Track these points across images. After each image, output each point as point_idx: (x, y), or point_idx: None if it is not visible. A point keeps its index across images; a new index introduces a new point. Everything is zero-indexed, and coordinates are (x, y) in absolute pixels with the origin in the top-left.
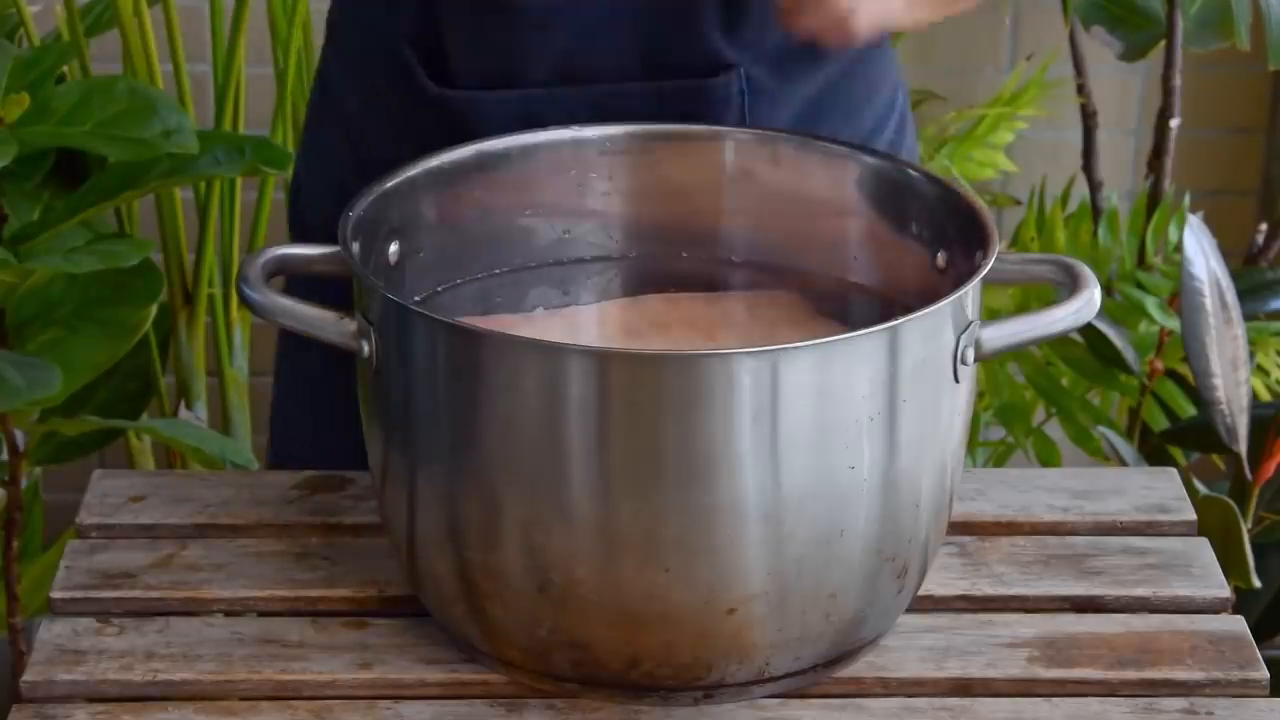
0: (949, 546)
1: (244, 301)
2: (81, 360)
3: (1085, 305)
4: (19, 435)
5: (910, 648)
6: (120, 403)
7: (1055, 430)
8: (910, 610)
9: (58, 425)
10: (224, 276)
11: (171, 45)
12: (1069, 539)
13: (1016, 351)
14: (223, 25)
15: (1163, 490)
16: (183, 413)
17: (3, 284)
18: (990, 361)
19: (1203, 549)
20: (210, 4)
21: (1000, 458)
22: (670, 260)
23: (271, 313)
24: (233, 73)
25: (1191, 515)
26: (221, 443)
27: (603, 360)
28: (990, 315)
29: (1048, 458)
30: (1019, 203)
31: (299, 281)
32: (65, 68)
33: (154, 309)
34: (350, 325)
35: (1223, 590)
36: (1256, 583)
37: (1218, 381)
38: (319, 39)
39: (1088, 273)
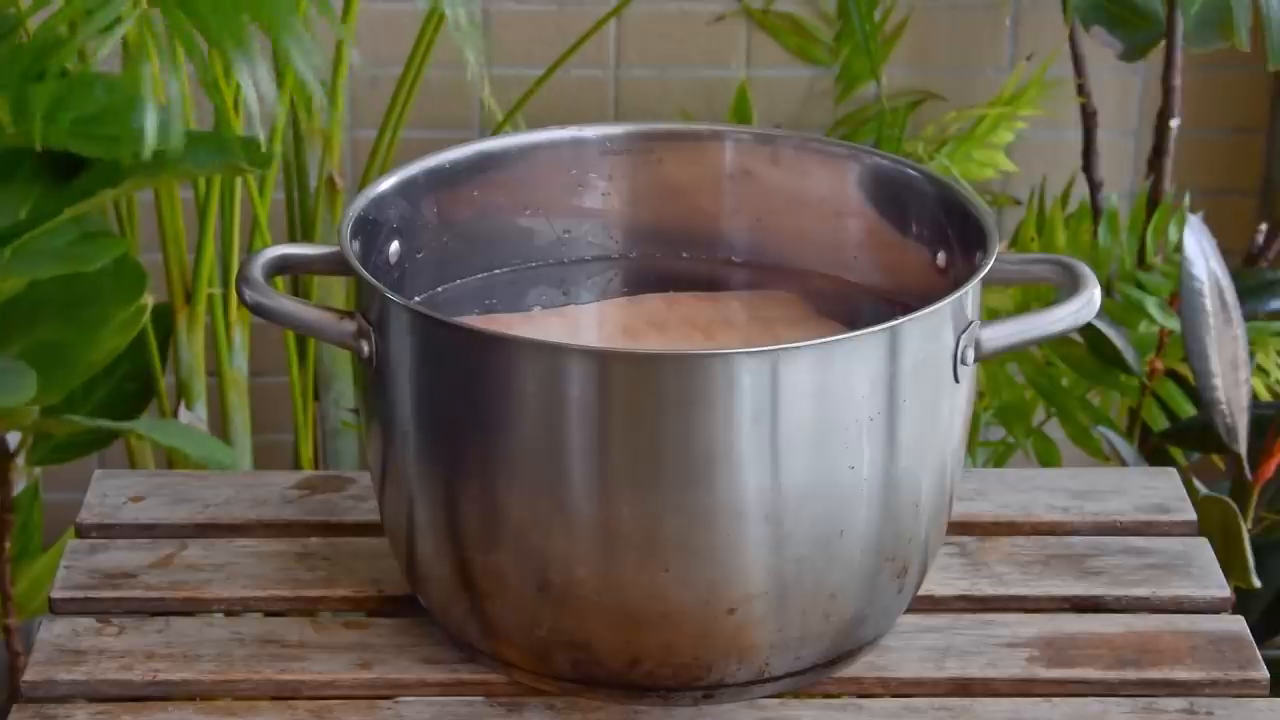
0: (949, 546)
1: (244, 301)
2: (74, 359)
3: (1085, 305)
4: (11, 436)
5: (910, 648)
6: (120, 403)
7: (1055, 430)
8: (910, 610)
9: (45, 426)
10: (224, 276)
11: None
12: (1069, 539)
13: (1016, 351)
14: None
15: (1163, 490)
16: (183, 413)
17: None
18: (990, 361)
19: (1203, 549)
20: None
21: (1000, 458)
22: (670, 260)
23: (271, 313)
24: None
25: (1191, 515)
26: (209, 445)
27: (603, 360)
28: (990, 315)
29: (1048, 458)
30: (1019, 203)
31: None
32: None
33: (147, 306)
34: (350, 325)
35: (1223, 590)
36: (1256, 583)
37: (1218, 381)
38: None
39: (1088, 273)
